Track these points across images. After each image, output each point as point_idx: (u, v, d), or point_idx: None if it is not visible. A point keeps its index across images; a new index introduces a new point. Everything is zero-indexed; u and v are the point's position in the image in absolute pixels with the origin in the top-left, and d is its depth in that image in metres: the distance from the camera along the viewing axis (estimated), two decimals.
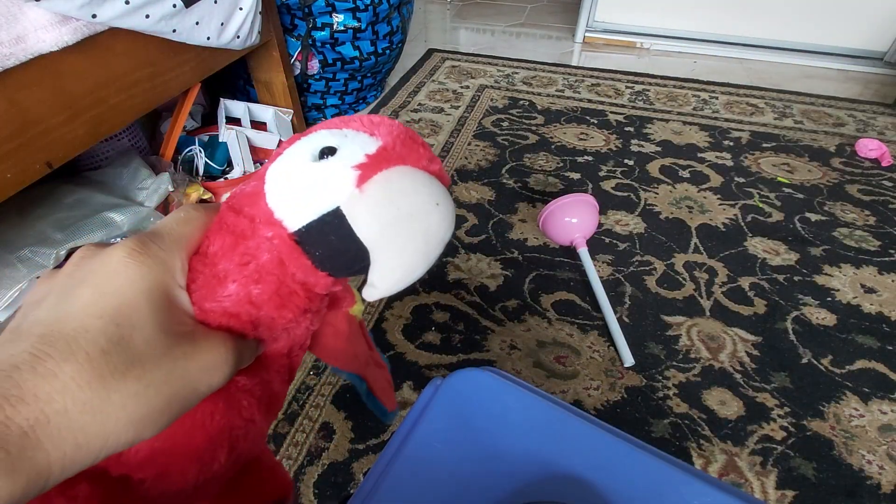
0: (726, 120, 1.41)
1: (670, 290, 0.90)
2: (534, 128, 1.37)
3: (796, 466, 0.66)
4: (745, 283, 0.91)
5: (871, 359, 0.79)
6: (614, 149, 1.29)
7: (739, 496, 0.29)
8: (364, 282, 0.20)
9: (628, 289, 0.90)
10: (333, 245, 0.19)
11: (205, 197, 0.98)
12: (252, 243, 0.19)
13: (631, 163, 1.23)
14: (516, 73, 1.68)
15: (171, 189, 0.92)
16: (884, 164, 1.21)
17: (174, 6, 0.78)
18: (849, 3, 1.61)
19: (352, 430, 0.70)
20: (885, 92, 1.54)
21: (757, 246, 1.00)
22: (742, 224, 1.05)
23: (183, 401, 0.17)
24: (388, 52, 1.34)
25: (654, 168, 1.22)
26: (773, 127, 1.38)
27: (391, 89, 1.57)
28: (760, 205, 1.10)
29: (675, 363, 0.78)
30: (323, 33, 1.20)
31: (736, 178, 1.18)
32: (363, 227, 0.18)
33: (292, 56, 1.22)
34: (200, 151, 1.05)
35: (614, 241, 1.01)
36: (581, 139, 1.32)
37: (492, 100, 1.51)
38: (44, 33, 0.64)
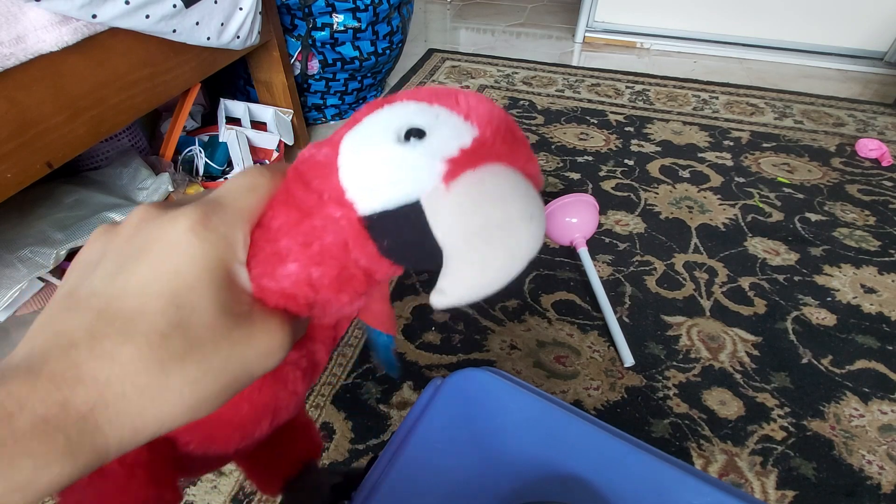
0: (726, 120, 1.41)
1: (670, 290, 0.90)
2: (534, 128, 1.37)
3: (796, 466, 0.66)
4: (745, 283, 0.91)
5: (871, 359, 0.79)
6: (614, 149, 1.28)
7: (739, 496, 0.29)
8: (431, 283, 0.19)
9: (628, 289, 0.90)
10: (405, 238, 0.17)
11: None
12: (318, 222, 0.18)
13: (631, 163, 1.23)
14: (516, 73, 1.68)
15: (171, 189, 0.92)
16: (884, 164, 1.21)
17: (174, 6, 0.78)
18: (849, 3, 1.61)
19: (352, 430, 0.70)
20: (885, 92, 1.54)
21: (757, 246, 1.00)
22: (742, 224, 1.05)
23: (239, 385, 0.16)
24: (388, 52, 1.33)
25: (654, 168, 1.22)
26: (773, 127, 1.38)
27: (391, 89, 1.57)
28: (760, 205, 1.10)
29: (675, 363, 0.78)
30: (323, 33, 1.20)
31: (736, 178, 1.18)
32: (444, 228, 0.16)
33: (292, 56, 1.22)
34: (200, 151, 1.05)
35: (614, 241, 1.00)
36: (581, 139, 1.32)
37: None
38: (44, 33, 0.64)
